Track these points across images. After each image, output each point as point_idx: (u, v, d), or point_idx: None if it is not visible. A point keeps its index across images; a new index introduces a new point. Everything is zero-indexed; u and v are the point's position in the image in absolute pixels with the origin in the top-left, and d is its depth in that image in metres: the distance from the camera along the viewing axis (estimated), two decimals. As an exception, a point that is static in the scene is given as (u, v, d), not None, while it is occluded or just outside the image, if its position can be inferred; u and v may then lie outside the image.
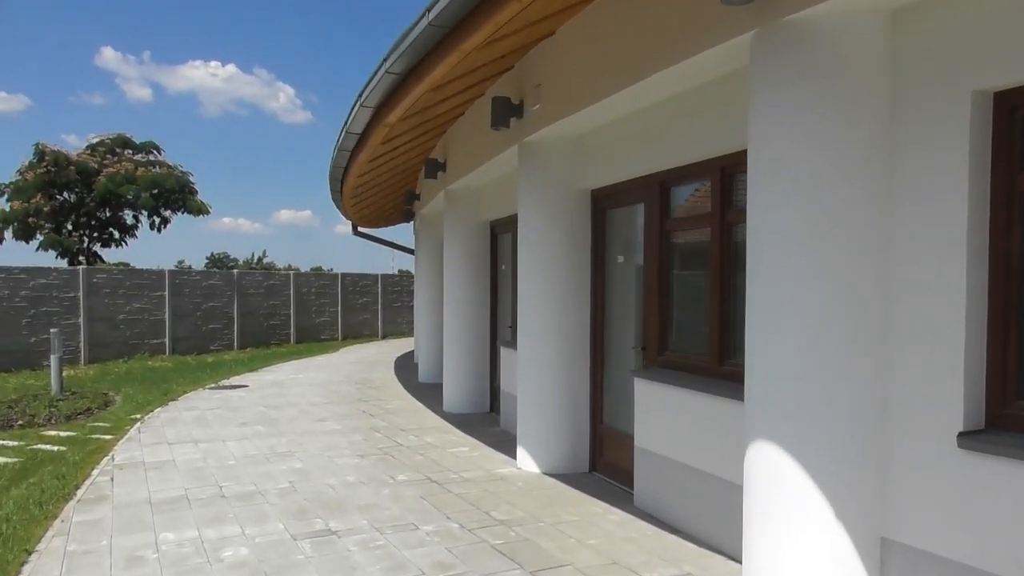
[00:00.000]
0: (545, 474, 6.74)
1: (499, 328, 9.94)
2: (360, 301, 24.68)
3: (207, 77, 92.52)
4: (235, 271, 20.96)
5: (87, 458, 7.67)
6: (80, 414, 10.50)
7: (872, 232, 3.56)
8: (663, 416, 5.37)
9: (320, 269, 35.22)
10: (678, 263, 5.71)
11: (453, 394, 10.12)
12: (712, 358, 5.07)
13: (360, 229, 17.68)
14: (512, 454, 7.39)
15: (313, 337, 22.86)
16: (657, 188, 5.72)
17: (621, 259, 6.49)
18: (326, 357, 18.63)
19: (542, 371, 6.79)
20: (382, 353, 19.67)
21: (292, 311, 22.11)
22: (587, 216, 6.81)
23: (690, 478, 5.07)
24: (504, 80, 7.37)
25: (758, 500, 3.87)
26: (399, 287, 26.24)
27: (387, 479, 6.64)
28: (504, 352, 8.83)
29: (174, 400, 11.63)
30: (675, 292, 5.69)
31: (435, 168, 10.16)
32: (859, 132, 3.55)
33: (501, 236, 9.88)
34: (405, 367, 16.01)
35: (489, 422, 9.37)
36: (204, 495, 6.21)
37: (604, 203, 6.68)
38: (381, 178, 11.91)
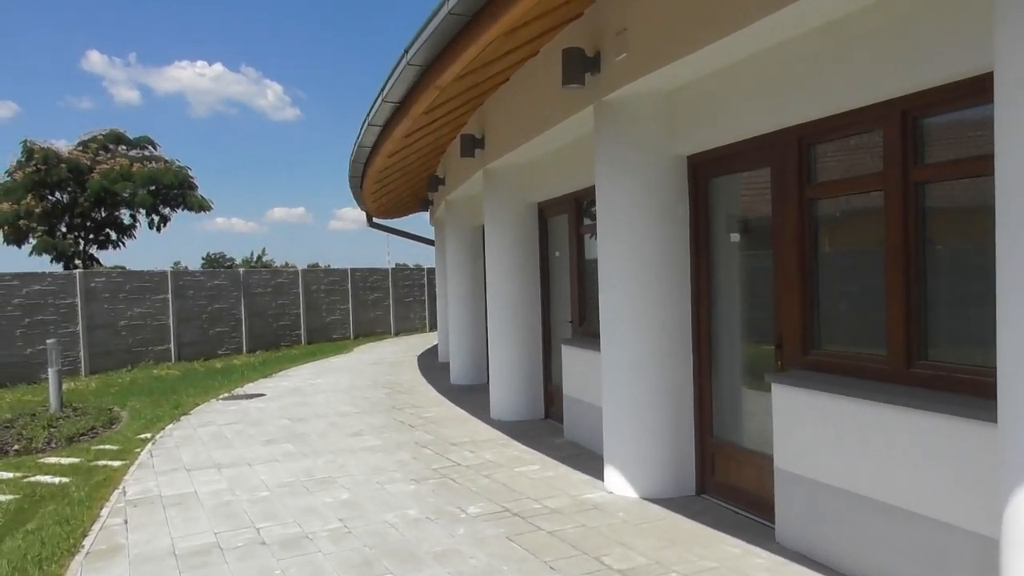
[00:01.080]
0: (645, 499, 5.62)
1: (553, 323, 8.81)
2: (371, 297, 23.57)
3: (194, 77, 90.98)
4: (241, 270, 19.80)
5: (94, 492, 6.55)
6: (83, 435, 9.39)
7: None
8: (821, 433, 4.25)
9: (317, 266, 34.02)
10: (824, 238, 4.58)
11: (502, 399, 8.99)
12: (896, 358, 3.95)
13: (376, 220, 16.52)
14: (594, 473, 6.29)
15: (324, 337, 21.73)
16: (794, 146, 4.58)
17: (736, 237, 5.36)
18: (342, 358, 17.52)
19: (634, 375, 5.66)
20: (400, 352, 18.57)
21: (302, 310, 20.97)
22: (684, 187, 5.67)
23: (873, 514, 3.94)
24: (571, 30, 6.22)
25: (1037, 560, 2.75)
26: (409, 281, 25.15)
27: (457, 512, 5.52)
28: (568, 352, 7.69)
29: (186, 414, 10.51)
30: (822, 274, 4.56)
31: (472, 145, 9.01)
32: None
33: (552, 219, 8.74)
34: (431, 367, 14.89)
35: (549, 431, 8.25)
36: (239, 541, 5.08)
37: (706, 170, 5.54)
38: (408, 160, 10.75)
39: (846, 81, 4.07)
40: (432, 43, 5.39)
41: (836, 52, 4.11)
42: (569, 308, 8.08)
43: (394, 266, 25.72)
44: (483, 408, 9.75)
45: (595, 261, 7.57)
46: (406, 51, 5.78)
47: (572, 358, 7.57)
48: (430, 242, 17.15)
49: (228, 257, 51.47)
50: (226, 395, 12.26)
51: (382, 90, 6.80)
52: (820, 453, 4.26)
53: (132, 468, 7.41)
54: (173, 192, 20.01)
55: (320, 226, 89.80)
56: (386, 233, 17.01)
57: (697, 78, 5.26)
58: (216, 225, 78.12)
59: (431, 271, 26.72)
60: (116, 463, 7.68)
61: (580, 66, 5.73)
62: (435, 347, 19.27)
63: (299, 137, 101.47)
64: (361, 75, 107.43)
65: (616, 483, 5.78)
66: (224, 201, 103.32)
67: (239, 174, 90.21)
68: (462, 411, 9.76)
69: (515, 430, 8.34)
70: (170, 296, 17.36)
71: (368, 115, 7.75)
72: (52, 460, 8.00)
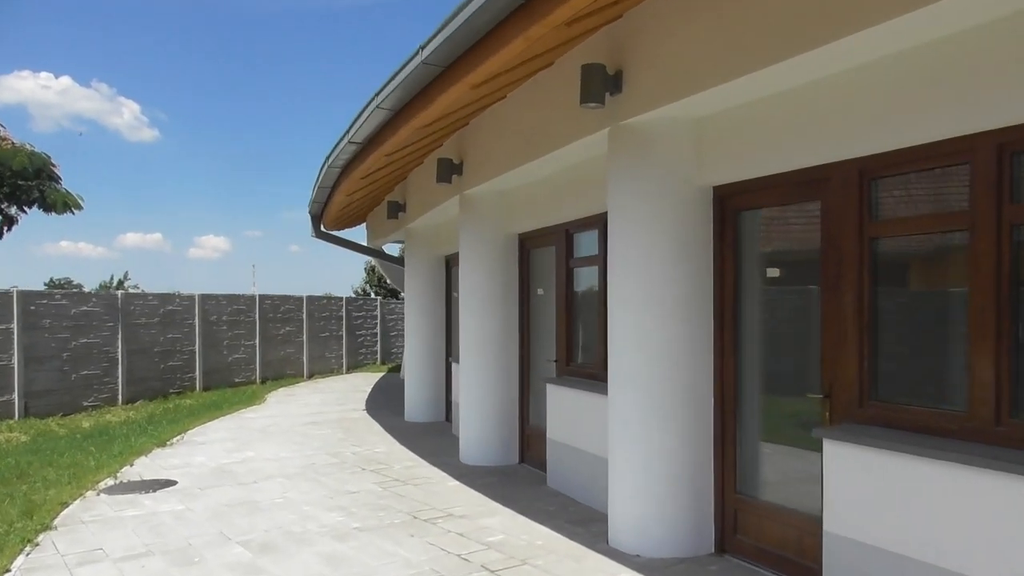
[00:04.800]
0: None
1: (741, 392, 5.22)
2: (282, 331, 19.06)
3: (38, 89, 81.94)
4: (119, 293, 14.90)
5: None
6: None
7: None
8: None
9: (179, 294, 28.39)
10: None
11: (644, 516, 5.25)
12: None
13: (324, 230, 12.42)
14: None
15: (225, 380, 17.02)
16: None
17: None
18: (260, 413, 13.10)
19: None
20: (332, 402, 14.34)
21: (198, 346, 16.21)
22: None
23: None
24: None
25: None
26: (326, 312, 20.87)
27: None
28: (858, 458, 4.11)
29: (48, 529, 6.14)
30: None
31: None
32: None
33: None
34: (405, 431, 10.84)
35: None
36: None
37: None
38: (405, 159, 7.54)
39: None
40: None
41: None
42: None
43: (264, 295, 20.64)
44: (572, 521, 6.04)
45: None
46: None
47: (889, 475, 3.99)
48: (398, 261, 13.21)
49: (76, 284, 44.44)
50: (111, 482, 7.83)
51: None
52: None
53: None
54: (25, 185, 14.69)
55: (179, 253, 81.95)
56: (333, 244, 12.88)
57: None
58: (60, 249, 69.15)
59: (350, 300, 22.53)
60: None
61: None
62: (373, 396, 15.20)
63: (158, 159, 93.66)
64: (227, 98, 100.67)
65: None
66: (70, 223, 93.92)
67: (89, 195, 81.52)
68: (546, 529, 5.92)
69: (700, 584, 4.66)
70: (16, 326, 12.35)
71: (375, 99, 5.86)
72: None
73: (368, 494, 7.16)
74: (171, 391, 15.45)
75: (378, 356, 23.21)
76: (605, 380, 6.45)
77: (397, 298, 28.68)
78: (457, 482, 7.59)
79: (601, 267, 6.64)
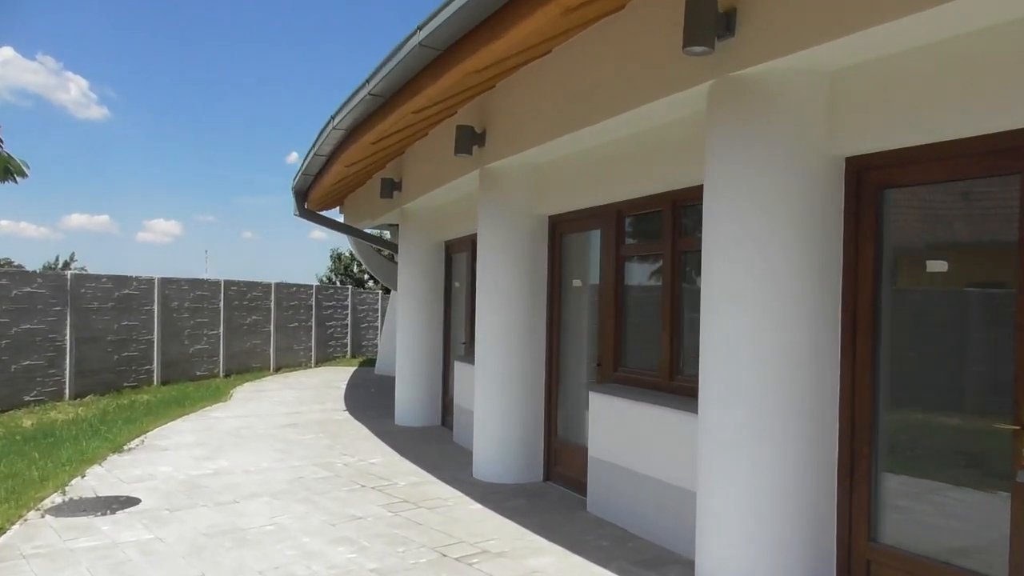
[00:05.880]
0: None
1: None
2: (247, 320, 17.64)
3: (-24, 59, 77.63)
4: (68, 273, 13.39)
5: None
6: None
7: None
8: None
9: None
10: None
11: (747, 566, 4.18)
12: None
13: (308, 208, 11.13)
14: None
15: (185, 373, 15.57)
16: None
17: None
18: (227, 411, 11.77)
19: None
20: (306, 398, 13.07)
21: (156, 336, 14.73)
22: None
23: None
24: None
25: None
26: (295, 301, 19.48)
27: None
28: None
29: (-19, 568, 4.86)
30: None
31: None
32: None
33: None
34: (399, 436, 9.63)
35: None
36: None
37: None
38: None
39: None
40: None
41: None
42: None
43: (230, 281, 18.76)
44: (638, 562, 4.98)
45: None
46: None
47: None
48: (390, 245, 11.96)
49: (16, 265, 41.92)
50: (59, 499, 6.54)
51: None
52: None
53: None
54: (-39, 150, 13.01)
55: (127, 236, 78.13)
56: (316, 224, 11.61)
57: None
58: (-1, 228, 65.40)
59: (319, 289, 21.14)
60: None
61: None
62: (352, 393, 13.95)
63: (107, 138, 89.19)
64: (180, 78, 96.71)
65: None
66: (10, 202, 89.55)
67: (32, 173, 77.04)
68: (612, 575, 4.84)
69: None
70: (-53, 309, 10.83)
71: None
72: None
73: (377, 520, 5.99)
74: (126, 385, 13.97)
75: (348, 349, 21.91)
76: (671, 391, 5.46)
77: (364, 288, 27.31)
78: (479, 505, 6.46)
79: (670, 256, 5.56)
